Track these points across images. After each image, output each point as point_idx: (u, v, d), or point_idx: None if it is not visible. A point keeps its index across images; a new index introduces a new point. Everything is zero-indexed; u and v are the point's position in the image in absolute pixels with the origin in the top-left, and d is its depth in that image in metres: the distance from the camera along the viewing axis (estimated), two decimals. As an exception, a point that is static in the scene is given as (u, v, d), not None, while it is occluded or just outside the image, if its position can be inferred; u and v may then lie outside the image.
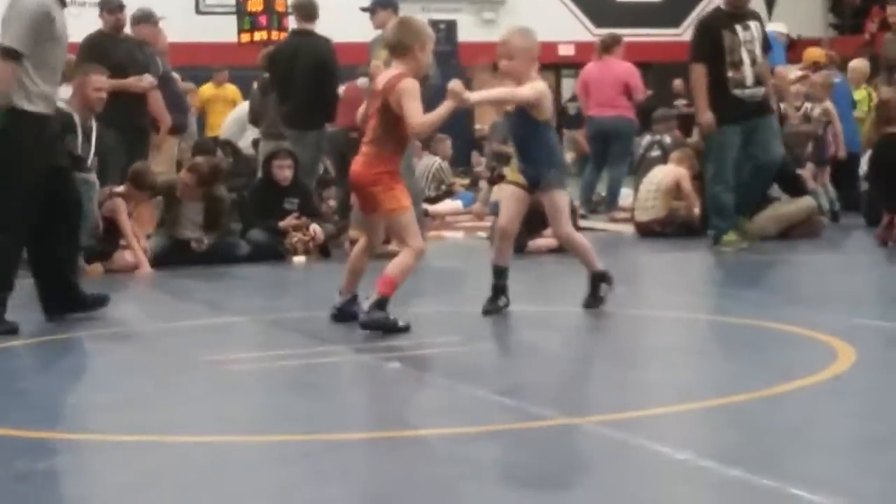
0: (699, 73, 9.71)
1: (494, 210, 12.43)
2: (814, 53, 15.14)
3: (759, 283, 8.34)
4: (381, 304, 6.25)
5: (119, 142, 10.00)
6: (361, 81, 11.69)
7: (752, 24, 9.81)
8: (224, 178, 10.77)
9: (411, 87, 6.41)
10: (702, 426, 4.45)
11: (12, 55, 6.55)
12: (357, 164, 6.51)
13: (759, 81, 9.68)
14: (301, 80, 10.93)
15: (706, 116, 9.63)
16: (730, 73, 9.61)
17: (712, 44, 9.67)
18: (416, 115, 6.31)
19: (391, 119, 6.43)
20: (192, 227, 9.88)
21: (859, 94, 13.72)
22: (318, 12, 11.40)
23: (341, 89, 11.88)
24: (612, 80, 13.18)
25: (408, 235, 6.47)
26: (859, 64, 14.26)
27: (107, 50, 10.26)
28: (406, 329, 6.24)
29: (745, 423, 4.35)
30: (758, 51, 9.69)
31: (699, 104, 9.71)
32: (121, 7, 10.54)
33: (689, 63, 9.91)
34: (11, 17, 6.65)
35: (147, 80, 10.32)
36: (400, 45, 6.64)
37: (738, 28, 9.70)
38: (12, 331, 6.58)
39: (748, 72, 9.62)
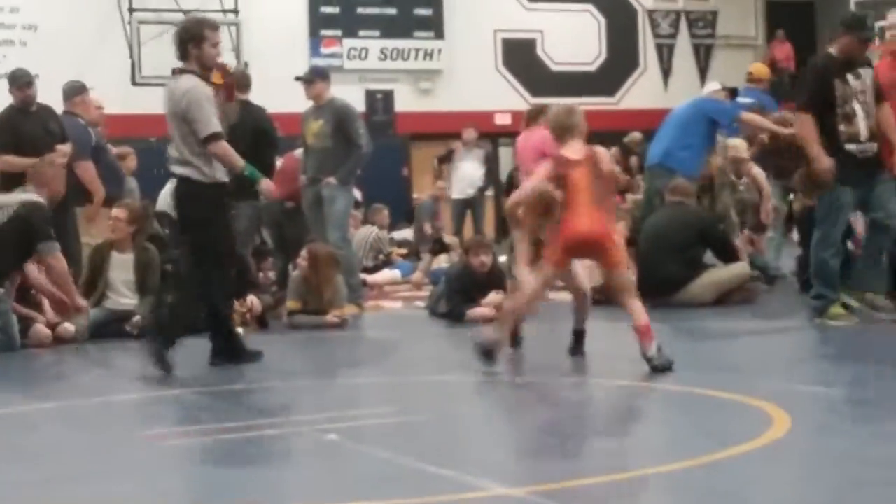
0: (808, 123, 8.91)
1: (435, 280, 12.49)
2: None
3: (694, 349, 8.39)
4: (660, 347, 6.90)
5: None
6: (298, 152, 11.73)
7: (864, 72, 9.05)
8: (162, 250, 10.74)
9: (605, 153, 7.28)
10: (639, 494, 4.45)
11: (218, 136, 7.74)
12: (588, 224, 7.05)
13: (872, 135, 8.93)
14: (237, 149, 10.91)
15: (825, 162, 8.76)
16: (841, 127, 8.86)
17: (823, 93, 8.89)
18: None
19: (603, 182, 7.12)
20: (124, 290, 9.77)
21: None
22: (251, 83, 11.47)
23: (278, 160, 11.91)
24: (531, 149, 13.30)
25: (633, 287, 7.21)
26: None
27: (17, 126, 10.22)
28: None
29: (682, 491, 4.36)
30: (870, 100, 8.97)
31: (814, 151, 8.85)
32: (29, 84, 10.45)
33: (796, 111, 9.31)
34: (199, 102, 7.81)
35: (62, 150, 10.21)
36: (575, 127, 7.27)
37: (850, 77, 8.95)
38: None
39: (861, 125, 8.91)
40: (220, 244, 7.86)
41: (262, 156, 10.96)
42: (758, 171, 12.60)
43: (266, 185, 8.26)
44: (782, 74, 24.42)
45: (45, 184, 9.42)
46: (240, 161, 7.90)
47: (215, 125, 7.82)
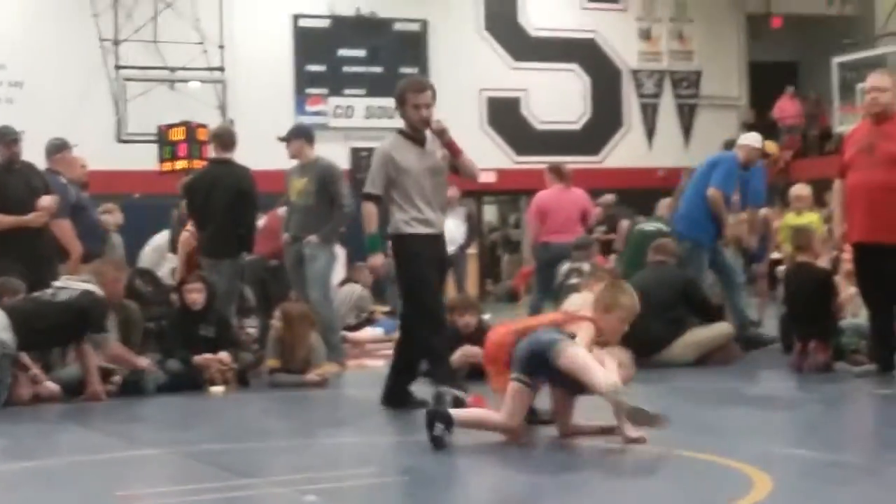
0: None
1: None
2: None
3: (676, 409, 8.36)
4: None
5: (14, 271, 9.84)
6: (281, 211, 11.74)
7: None
8: (143, 308, 10.72)
9: (587, 336, 6.80)
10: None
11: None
12: None
13: None
14: (218, 208, 10.96)
15: None
16: None
17: None
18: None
19: None
20: None
21: (809, 218, 13.93)
22: (236, 141, 11.47)
23: (261, 219, 11.91)
24: (571, 206, 13.52)
25: None
26: (804, 191, 14.45)
27: (2, 183, 10.20)
28: None
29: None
30: None
31: None
32: (15, 141, 10.43)
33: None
34: None
35: (44, 202, 10.17)
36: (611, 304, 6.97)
37: None
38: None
39: None
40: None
41: (240, 216, 11.00)
42: None
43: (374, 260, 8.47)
44: (793, 130, 24.62)
45: (106, 284, 9.52)
46: None
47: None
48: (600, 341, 6.81)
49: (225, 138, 11.51)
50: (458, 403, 7.00)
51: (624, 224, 17.77)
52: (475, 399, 7.20)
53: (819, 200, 15.83)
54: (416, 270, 8.14)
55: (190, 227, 11.72)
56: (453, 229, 17.16)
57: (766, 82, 25.92)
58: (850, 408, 8.41)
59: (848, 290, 10.65)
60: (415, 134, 8.25)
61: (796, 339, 10.12)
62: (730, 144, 14.15)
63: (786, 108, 25.36)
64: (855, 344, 10.07)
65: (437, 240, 8.23)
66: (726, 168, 11.62)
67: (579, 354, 6.59)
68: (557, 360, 6.57)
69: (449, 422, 6.51)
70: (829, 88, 24.06)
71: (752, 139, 12.21)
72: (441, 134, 8.14)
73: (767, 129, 19.50)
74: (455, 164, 8.26)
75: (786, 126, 25.19)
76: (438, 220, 8.22)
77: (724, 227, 11.53)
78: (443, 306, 8.36)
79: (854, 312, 10.92)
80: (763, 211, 13.34)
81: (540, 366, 6.62)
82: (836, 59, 23.56)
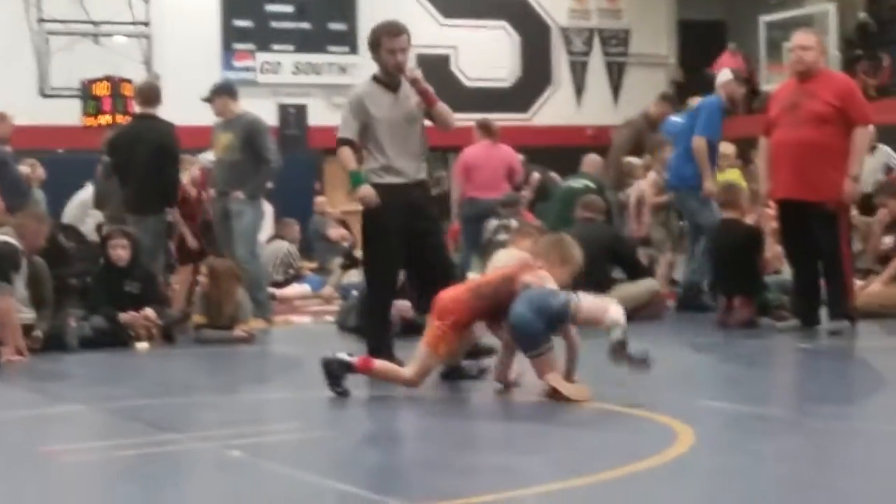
0: None
1: (345, 294, 12.44)
2: None
3: (600, 364, 8.40)
4: None
5: None
6: (203, 157, 11.64)
7: None
8: (67, 264, 10.59)
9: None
10: (541, 511, 4.44)
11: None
12: None
13: None
14: (140, 164, 10.85)
15: None
16: None
17: None
18: None
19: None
20: (21, 304, 9.59)
21: (731, 175, 14.02)
22: (160, 96, 11.34)
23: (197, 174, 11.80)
24: (498, 163, 13.41)
25: None
26: (727, 149, 14.54)
27: None
28: None
29: (584, 507, 4.36)
30: None
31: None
32: None
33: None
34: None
35: None
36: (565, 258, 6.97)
37: None
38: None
39: None
40: None
41: (163, 172, 10.89)
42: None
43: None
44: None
45: (27, 236, 9.34)
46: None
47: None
48: None
49: (148, 93, 11.39)
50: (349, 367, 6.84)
51: (535, 175, 17.72)
52: (361, 360, 6.98)
53: (746, 158, 15.94)
54: (374, 225, 7.84)
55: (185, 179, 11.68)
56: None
57: (694, 41, 26.00)
58: (773, 362, 8.50)
59: (774, 248, 10.76)
60: (388, 79, 7.89)
61: (721, 294, 10.21)
62: (666, 97, 14.16)
63: (726, 64, 25.26)
64: (779, 300, 10.19)
65: (408, 188, 7.81)
66: (707, 113, 11.41)
67: (591, 304, 6.67)
68: (576, 320, 6.67)
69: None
70: (756, 47, 24.18)
71: (728, 74, 12.10)
72: (415, 82, 7.79)
73: (696, 88, 19.51)
74: (430, 113, 7.93)
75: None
76: (411, 168, 7.84)
77: (706, 177, 11.22)
78: (392, 267, 7.87)
79: (777, 269, 11.05)
80: None
81: (559, 326, 6.67)
82: (764, 18, 23.66)
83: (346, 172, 7.88)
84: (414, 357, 6.78)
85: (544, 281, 6.74)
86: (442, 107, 7.93)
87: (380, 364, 6.81)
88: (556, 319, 6.62)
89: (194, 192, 12.04)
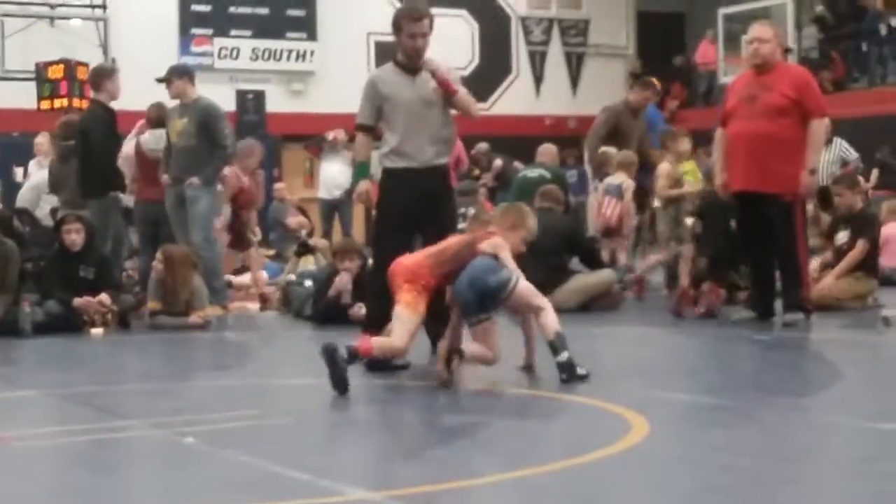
0: None
1: (300, 282, 12.39)
2: None
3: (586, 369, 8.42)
4: None
5: None
6: (144, 138, 11.64)
7: None
8: (22, 248, 10.50)
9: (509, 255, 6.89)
10: (493, 500, 4.44)
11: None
12: None
13: None
14: (80, 149, 10.96)
15: None
16: None
17: None
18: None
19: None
20: None
21: (686, 167, 14.06)
22: (103, 81, 11.35)
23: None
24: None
25: None
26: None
27: None
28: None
29: (536, 497, 4.36)
30: None
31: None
32: None
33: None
34: None
35: None
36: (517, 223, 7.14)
37: None
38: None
39: None
40: None
41: (99, 157, 10.92)
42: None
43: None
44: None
45: None
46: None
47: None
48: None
49: (91, 78, 11.54)
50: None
51: (497, 162, 17.70)
52: (363, 346, 7.00)
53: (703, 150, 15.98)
54: (381, 207, 7.82)
55: (234, 166, 11.88)
56: (338, 174, 17.06)
57: (653, 32, 26.10)
58: (728, 353, 8.53)
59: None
60: (407, 62, 7.76)
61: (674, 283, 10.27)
62: (647, 84, 13.93)
63: (707, 52, 25.16)
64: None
65: (419, 173, 7.69)
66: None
67: (528, 291, 6.84)
68: (509, 299, 6.80)
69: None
70: (714, 39, 24.28)
71: None
72: (433, 74, 7.66)
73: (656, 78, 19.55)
74: (450, 102, 7.82)
75: (707, 72, 25.01)
76: (425, 152, 7.70)
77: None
78: (392, 249, 7.46)
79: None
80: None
81: (490, 303, 6.76)
82: (722, 11, 23.79)
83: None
84: (395, 324, 6.73)
85: (497, 248, 6.83)
86: (462, 96, 7.79)
87: (376, 343, 6.79)
88: (488, 295, 6.70)
89: (247, 181, 12.14)
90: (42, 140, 14.45)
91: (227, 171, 11.55)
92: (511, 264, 6.83)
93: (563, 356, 6.72)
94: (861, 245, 10.46)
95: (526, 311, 6.96)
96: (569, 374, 6.68)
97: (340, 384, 6.45)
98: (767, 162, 9.06)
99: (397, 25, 7.76)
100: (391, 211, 7.69)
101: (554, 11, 25.89)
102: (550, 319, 6.84)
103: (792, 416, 5.86)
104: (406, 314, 6.72)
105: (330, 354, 6.48)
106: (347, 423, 6.16)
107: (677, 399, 6.40)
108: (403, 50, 7.77)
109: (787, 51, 14.53)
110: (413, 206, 7.66)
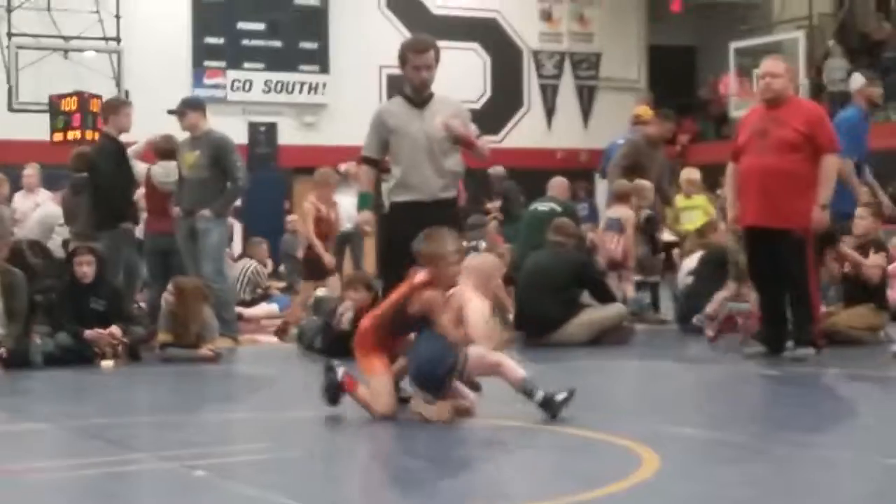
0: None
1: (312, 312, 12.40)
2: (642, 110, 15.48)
3: (566, 388, 8.40)
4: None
5: None
6: (154, 169, 11.70)
7: None
8: (33, 280, 10.53)
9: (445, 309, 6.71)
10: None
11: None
12: None
13: None
14: (92, 182, 11.05)
15: None
16: None
17: None
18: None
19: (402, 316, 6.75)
20: None
21: (697, 201, 14.13)
22: (112, 114, 11.45)
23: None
24: None
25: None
26: (694, 174, 14.67)
27: None
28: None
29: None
30: None
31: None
32: None
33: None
34: None
35: None
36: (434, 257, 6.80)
37: None
38: None
39: None
40: None
41: (108, 191, 10.99)
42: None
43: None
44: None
45: None
46: None
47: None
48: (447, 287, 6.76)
49: (102, 111, 11.60)
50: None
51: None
52: (348, 378, 6.98)
53: (715, 184, 16.01)
54: (383, 240, 7.89)
55: (312, 197, 12.29)
56: (349, 207, 17.07)
57: (665, 66, 26.13)
58: (738, 388, 8.51)
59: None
60: (414, 95, 7.76)
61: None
62: (666, 116, 13.97)
63: (733, 85, 24.93)
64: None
65: (423, 207, 7.62)
66: (847, 129, 10.87)
67: (478, 358, 6.68)
68: (462, 376, 6.72)
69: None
70: (726, 73, 24.31)
71: (861, 78, 11.79)
72: (448, 131, 7.58)
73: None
74: (468, 150, 7.82)
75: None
76: (428, 185, 7.65)
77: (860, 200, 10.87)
78: (395, 284, 7.38)
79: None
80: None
81: (444, 386, 6.67)
82: (734, 45, 23.82)
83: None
84: (374, 391, 6.72)
85: (427, 309, 6.68)
86: (480, 145, 7.81)
87: (362, 391, 6.77)
88: (440, 381, 6.65)
89: (325, 211, 12.28)
90: (31, 172, 14.53)
91: (306, 202, 11.82)
92: (446, 326, 6.63)
93: (539, 396, 6.61)
94: (879, 259, 10.41)
95: (487, 374, 6.81)
96: (553, 410, 6.57)
97: (331, 396, 6.68)
98: (779, 197, 9.05)
99: (403, 58, 7.78)
100: (397, 245, 7.69)
101: (566, 45, 25.94)
102: (510, 370, 6.71)
103: (801, 451, 5.85)
104: (370, 379, 6.74)
105: (329, 369, 6.73)
106: (356, 457, 6.15)
107: (688, 434, 6.39)
108: (409, 82, 7.79)
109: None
110: (407, 240, 7.66)
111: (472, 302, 6.67)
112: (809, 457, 5.74)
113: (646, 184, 13.06)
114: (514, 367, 6.75)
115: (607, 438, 6.05)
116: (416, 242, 6.87)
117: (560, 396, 6.62)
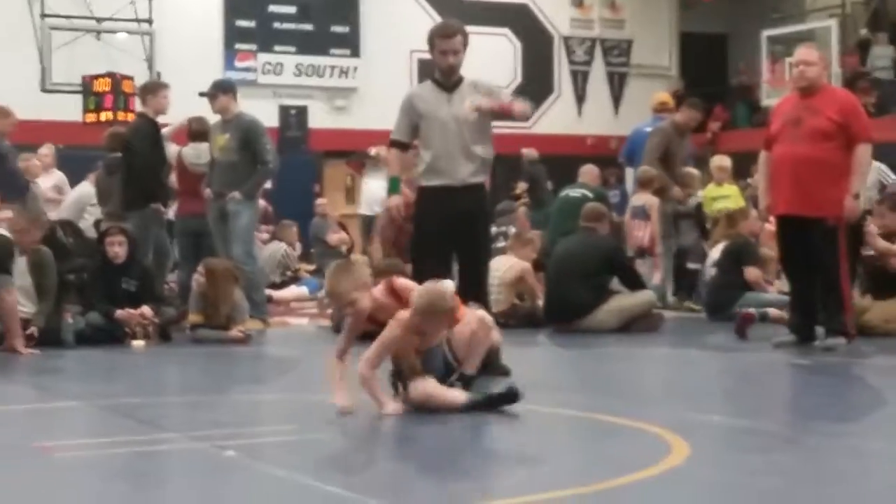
0: None
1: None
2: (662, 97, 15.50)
3: (596, 374, 8.41)
4: None
5: None
6: (185, 151, 11.72)
7: None
8: (65, 259, 10.59)
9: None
10: (535, 520, 4.43)
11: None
12: None
13: None
14: (131, 164, 11.09)
15: None
16: None
17: None
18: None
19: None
20: (23, 297, 9.55)
21: (728, 190, 14.11)
22: (147, 95, 11.52)
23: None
24: None
25: None
26: (725, 162, 14.65)
27: None
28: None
29: (577, 517, 4.35)
30: None
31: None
32: None
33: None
34: None
35: None
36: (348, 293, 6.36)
37: None
38: None
39: None
40: None
41: (140, 170, 11.02)
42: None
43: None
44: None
45: (15, 232, 9.35)
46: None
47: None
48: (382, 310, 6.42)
49: (139, 92, 11.64)
50: None
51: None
52: None
53: (745, 173, 15.98)
54: (416, 225, 7.92)
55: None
56: (378, 190, 17.11)
57: (696, 53, 26.03)
58: (768, 377, 8.49)
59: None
60: (443, 80, 7.79)
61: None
62: (694, 104, 13.98)
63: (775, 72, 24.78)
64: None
65: (452, 192, 7.72)
66: None
67: (421, 393, 6.39)
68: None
69: None
70: (757, 61, 24.19)
71: None
72: (481, 113, 7.60)
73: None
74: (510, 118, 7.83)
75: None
76: (459, 170, 7.72)
77: None
78: (428, 269, 7.29)
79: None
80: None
81: None
82: (766, 33, 23.69)
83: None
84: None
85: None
86: (517, 110, 7.77)
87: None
88: None
89: (397, 215, 12.20)
90: (46, 151, 14.52)
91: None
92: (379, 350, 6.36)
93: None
94: None
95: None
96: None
97: None
98: (812, 186, 9.02)
99: (431, 42, 7.81)
100: (427, 229, 7.70)
101: (597, 31, 25.87)
102: (453, 401, 6.37)
103: (831, 440, 5.83)
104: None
105: None
106: (386, 439, 6.17)
107: (717, 422, 6.38)
108: (437, 66, 7.81)
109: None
110: (448, 224, 7.67)
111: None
112: (839, 446, 5.72)
113: (694, 172, 13.13)
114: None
115: (636, 425, 6.04)
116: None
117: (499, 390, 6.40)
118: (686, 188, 13.07)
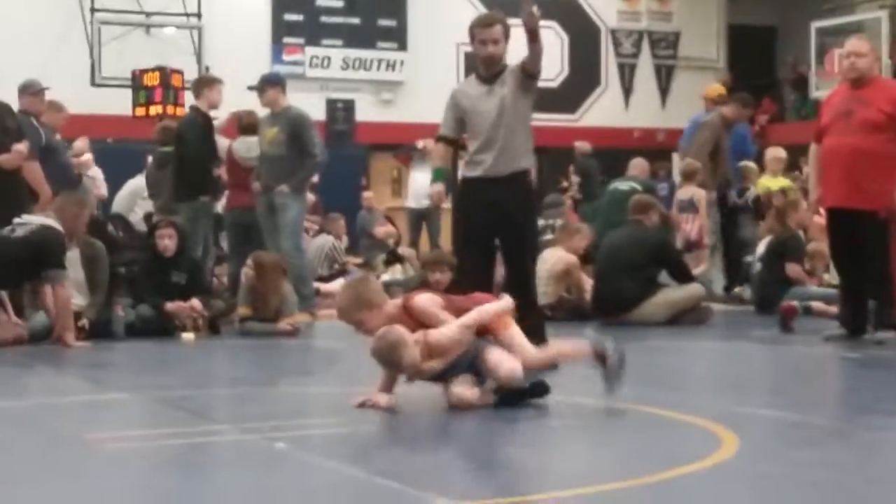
0: None
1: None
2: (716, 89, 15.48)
3: (645, 368, 8.38)
4: None
5: None
6: (235, 145, 11.78)
7: None
8: (115, 253, 10.68)
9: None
10: (584, 512, 4.43)
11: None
12: None
13: None
14: (181, 157, 11.17)
15: None
16: None
17: None
18: None
19: None
20: (74, 290, 9.63)
21: (781, 182, 14.07)
22: (200, 89, 11.59)
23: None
24: None
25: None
26: (780, 153, 14.63)
27: None
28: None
29: (627, 510, 4.35)
30: None
31: None
32: None
33: None
34: None
35: (17, 149, 10.05)
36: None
37: None
38: None
39: None
40: None
41: (190, 163, 11.10)
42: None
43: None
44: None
45: (66, 220, 9.41)
46: None
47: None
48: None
49: (193, 86, 11.69)
50: None
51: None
52: None
53: (794, 165, 15.90)
54: (455, 215, 8.02)
55: None
56: (426, 182, 17.10)
57: (745, 46, 25.88)
58: (818, 370, 8.45)
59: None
60: (483, 71, 7.80)
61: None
62: (742, 99, 13.98)
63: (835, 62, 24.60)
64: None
65: (487, 183, 7.73)
66: None
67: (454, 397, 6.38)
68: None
69: None
70: (807, 53, 24.03)
71: None
72: (529, 19, 7.33)
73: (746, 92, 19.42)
74: (529, 48, 7.64)
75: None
76: (494, 161, 7.72)
77: None
78: (466, 258, 7.78)
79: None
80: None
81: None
82: (815, 24, 23.53)
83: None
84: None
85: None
86: (538, 47, 7.65)
87: None
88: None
89: (439, 202, 12.27)
90: (81, 144, 14.51)
91: None
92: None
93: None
94: None
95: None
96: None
97: None
98: (862, 178, 8.95)
99: (471, 33, 7.83)
100: (467, 221, 7.75)
101: (644, 24, 25.77)
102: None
103: (883, 434, 5.79)
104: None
105: None
106: (434, 432, 6.18)
107: (767, 415, 6.35)
108: (477, 57, 7.83)
109: None
110: (486, 215, 7.70)
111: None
112: (892, 440, 5.68)
113: (752, 165, 13.14)
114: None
115: (685, 419, 6.03)
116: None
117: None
118: (744, 181, 13.12)
